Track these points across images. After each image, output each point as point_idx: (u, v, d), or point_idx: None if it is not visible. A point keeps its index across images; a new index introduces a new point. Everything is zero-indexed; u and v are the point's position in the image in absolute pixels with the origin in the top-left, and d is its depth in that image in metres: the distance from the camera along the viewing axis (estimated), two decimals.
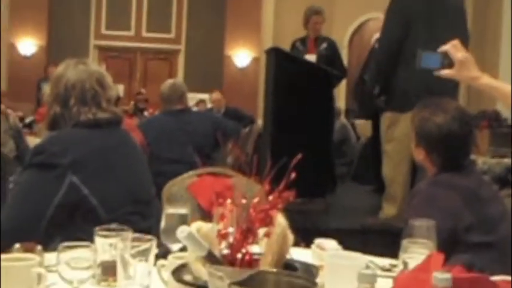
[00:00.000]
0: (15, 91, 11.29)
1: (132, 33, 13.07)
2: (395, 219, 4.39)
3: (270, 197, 1.27)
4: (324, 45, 6.14)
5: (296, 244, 1.72)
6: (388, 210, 4.44)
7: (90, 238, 2.03)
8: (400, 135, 4.32)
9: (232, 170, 2.95)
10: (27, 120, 7.44)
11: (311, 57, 6.01)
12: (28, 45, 12.31)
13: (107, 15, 12.95)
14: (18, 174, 2.19)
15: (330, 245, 1.81)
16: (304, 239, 1.91)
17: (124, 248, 1.46)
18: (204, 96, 10.40)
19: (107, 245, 1.59)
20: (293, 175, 1.30)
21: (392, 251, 2.26)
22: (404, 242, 1.57)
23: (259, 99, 11.95)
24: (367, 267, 1.26)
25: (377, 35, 6.56)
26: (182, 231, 1.18)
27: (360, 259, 1.38)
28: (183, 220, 1.66)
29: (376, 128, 5.88)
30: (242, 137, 7.73)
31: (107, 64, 10.87)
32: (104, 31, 13.00)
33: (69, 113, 2.16)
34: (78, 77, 2.18)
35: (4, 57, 12.33)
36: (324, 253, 1.57)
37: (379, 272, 1.69)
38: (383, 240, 4.46)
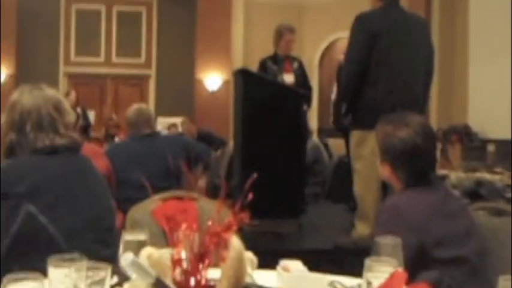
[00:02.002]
0: None
1: (101, 59, 13.01)
2: (368, 237, 4.36)
3: (226, 219, 1.23)
4: (296, 64, 6.10)
5: (264, 267, 1.67)
6: (361, 228, 4.41)
7: None
8: (368, 153, 4.30)
9: (202, 193, 2.90)
10: None
11: (288, 77, 5.92)
12: None
13: (76, 42, 12.88)
14: None
15: (295, 266, 1.76)
16: (274, 261, 1.87)
17: (78, 278, 1.40)
18: (176, 120, 10.36)
19: (61, 275, 1.53)
20: (250, 196, 1.26)
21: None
22: (368, 261, 1.53)
23: (230, 122, 11.94)
24: (332, 286, 1.22)
25: (342, 57, 6.60)
26: (125, 259, 1.13)
27: (324, 279, 1.33)
28: (142, 246, 1.61)
29: (348, 146, 5.88)
30: (214, 160, 7.69)
31: (77, 91, 10.76)
32: (73, 58, 12.92)
33: (26, 140, 2.10)
34: (33, 103, 2.13)
35: None
36: (287, 275, 1.53)
37: None
38: (356, 260, 4.43)
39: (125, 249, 1.63)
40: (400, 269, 1.48)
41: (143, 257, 1.18)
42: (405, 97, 4.26)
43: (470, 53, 9.95)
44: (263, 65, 5.94)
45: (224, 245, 1.18)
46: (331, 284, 1.51)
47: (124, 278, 1.62)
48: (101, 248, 2.10)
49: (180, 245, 1.21)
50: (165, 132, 8.99)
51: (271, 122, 5.20)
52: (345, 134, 6.06)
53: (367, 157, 4.31)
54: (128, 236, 1.66)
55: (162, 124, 10.13)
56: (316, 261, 1.91)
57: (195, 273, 1.18)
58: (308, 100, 5.89)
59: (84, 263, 1.46)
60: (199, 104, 12.45)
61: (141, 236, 1.65)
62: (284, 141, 5.26)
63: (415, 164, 2.18)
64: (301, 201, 5.79)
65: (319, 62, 12.71)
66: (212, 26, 12.34)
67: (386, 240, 1.66)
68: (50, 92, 2.23)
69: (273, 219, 4.90)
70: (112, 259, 2.15)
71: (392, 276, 1.32)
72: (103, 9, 12.97)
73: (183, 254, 1.19)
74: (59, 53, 12.84)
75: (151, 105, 12.76)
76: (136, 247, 1.60)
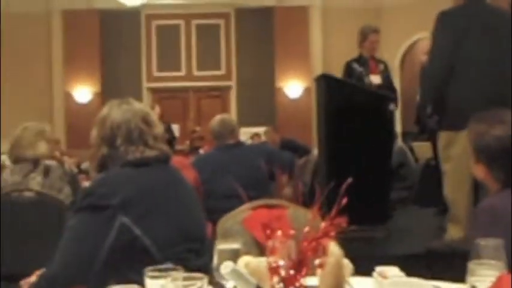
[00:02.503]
0: (74, 138, 11.59)
1: (183, 73, 13.25)
2: (462, 241, 4.21)
3: (322, 225, 1.19)
4: (382, 66, 6.02)
5: (357, 273, 1.63)
6: (454, 232, 4.27)
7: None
8: (457, 154, 4.18)
9: (289, 201, 2.88)
10: (83, 165, 7.55)
11: (375, 78, 5.86)
12: (84, 93, 12.65)
13: (158, 58, 13.18)
14: (70, 219, 2.17)
15: (392, 272, 1.71)
16: (366, 267, 1.82)
17: None
18: (259, 129, 10.40)
19: (157, 286, 1.54)
20: (344, 200, 1.22)
21: (460, 275, 2.13)
22: (471, 264, 1.46)
23: (313, 129, 11.88)
24: None
25: (425, 58, 6.44)
26: (226, 267, 1.11)
27: (423, 286, 1.28)
28: (236, 255, 1.60)
29: (435, 148, 5.72)
30: (299, 167, 7.66)
31: (161, 105, 11.00)
32: (155, 73, 13.22)
33: (117, 153, 2.14)
34: (123, 117, 2.17)
35: (61, 106, 12.70)
36: (386, 282, 1.48)
37: None
38: (450, 264, 4.28)
39: (219, 259, 1.63)
40: (506, 272, 1.40)
41: (241, 266, 1.16)
42: (494, 95, 4.09)
43: None
44: (349, 67, 5.88)
45: (322, 251, 1.15)
46: None
47: (220, 287, 1.62)
48: (194, 258, 2.11)
49: (276, 252, 1.19)
50: (248, 142, 9.02)
51: (355, 127, 5.13)
52: (431, 136, 5.92)
53: (456, 158, 4.18)
54: (221, 246, 1.65)
55: (245, 134, 10.18)
56: (408, 267, 1.85)
57: (294, 281, 1.15)
58: (394, 101, 5.78)
59: (180, 273, 1.46)
60: (280, 112, 12.48)
61: (235, 245, 1.64)
62: (369, 145, 5.17)
63: None
64: (388, 206, 5.68)
65: (400, 64, 12.47)
66: (290, 33, 12.37)
67: (487, 242, 1.58)
68: (137, 105, 2.27)
69: (360, 225, 4.81)
70: (205, 269, 2.16)
71: (499, 279, 1.24)
72: (182, 23, 13.21)
73: (281, 262, 1.17)
74: (141, 69, 13.18)
75: (233, 115, 12.87)
76: (230, 256, 1.59)
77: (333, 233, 1.16)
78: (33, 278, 2.08)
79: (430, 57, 4.43)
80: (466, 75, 4.10)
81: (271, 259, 1.19)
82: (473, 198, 4.28)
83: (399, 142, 8.78)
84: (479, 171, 2.16)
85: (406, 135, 10.82)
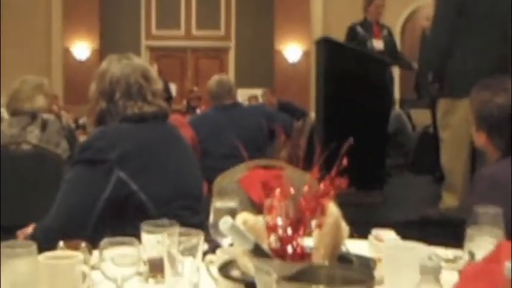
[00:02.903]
0: (72, 94, 11.53)
1: (182, 32, 13.13)
2: (456, 209, 4.23)
3: (321, 185, 1.18)
4: (385, 31, 5.99)
5: (352, 236, 1.63)
6: (449, 200, 4.28)
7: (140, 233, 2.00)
8: (457, 122, 4.17)
9: (286, 163, 2.87)
10: (81, 121, 7.53)
11: (378, 43, 5.84)
12: (82, 49, 12.54)
13: (157, 16, 13.04)
14: (66, 172, 2.16)
15: (388, 235, 1.71)
16: (361, 232, 1.82)
17: (171, 244, 1.40)
18: (256, 91, 10.36)
19: (154, 241, 1.54)
20: (345, 161, 1.21)
21: (454, 243, 2.14)
22: (470, 231, 1.46)
23: (311, 93, 11.84)
24: (430, 258, 1.17)
25: (427, 23, 6.39)
26: (224, 222, 1.10)
27: (421, 250, 1.28)
28: (232, 214, 1.59)
29: (434, 116, 5.71)
30: (295, 130, 7.64)
31: (159, 64, 10.92)
32: (154, 31, 13.10)
33: (115, 108, 2.12)
34: (122, 72, 2.15)
35: (59, 62, 12.61)
36: (382, 244, 1.47)
37: (442, 264, 1.58)
38: (444, 232, 4.30)
39: (215, 217, 1.62)
40: (504, 240, 1.40)
41: (239, 223, 1.16)
42: (496, 61, 4.06)
43: None
44: (352, 30, 5.85)
45: (321, 211, 1.14)
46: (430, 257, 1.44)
47: (215, 245, 1.62)
48: (189, 215, 2.11)
49: (274, 211, 1.18)
50: (245, 103, 8.99)
51: (354, 91, 5.11)
52: (431, 104, 5.90)
53: (455, 126, 4.17)
54: (218, 204, 1.64)
55: (242, 96, 10.13)
56: (403, 233, 1.85)
57: (291, 240, 1.14)
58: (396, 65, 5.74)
59: (177, 228, 1.46)
60: (278, 75, 12.41)
61: (232, 204, 1.64)
62: (367, 110, 5.17)
63: None
64: (384, 172, 5.69)
65: (401, 30, 12.36)
66: None
67: (486, 209, 1.58)
68: (137, 60, 2.24)
69: (356, 190, 4.82)
70: (200, 226, 2.16)
71: (499, 247, 1.24)
72: None
73: (278, 221, 1.16)
74: (140, 26, 13.05)
75: (231, 76, 12.80)
76: (227, 214, 1.58)
77: (332, 193, 1.15)
78: (29, 229, 2.08)
79: (432, 23, 4.39)
80: (468, 41, 4.06)
81: (269, 217, 1.18)
82: (470, 167, 4.28)
83: (397, 109, 8.76)
84: (480, 139, 2.15)
85: (404, 102, 10.79)
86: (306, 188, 1.16)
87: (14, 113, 3.80)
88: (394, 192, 5.71)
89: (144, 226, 1.55)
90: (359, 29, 5.82)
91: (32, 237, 1.97)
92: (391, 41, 6.12)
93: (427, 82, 4.20)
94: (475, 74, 4.04)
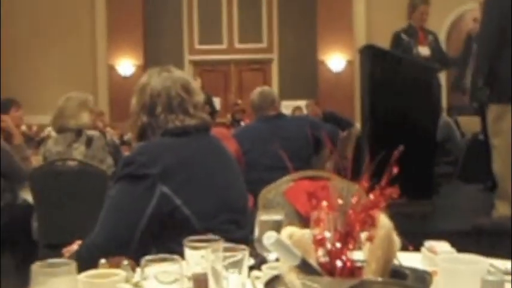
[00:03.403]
0: (118, 111, 11.67)
1: (224, 45, 13.18)
2: (510, 217, 4.08)
3: (371, 196, 1.12)
4: (431, 37, 5.88)
5: (403, 248, 1.55)
6: (502, 208, 4.13)
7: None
8: (508, 127, 4.05)
9: (332, 174, 2.81)
10: (126, 137, 7.59)
11: (424, 50, 5.73)
12: (127, 65, 12.70)
13: (199, 30, 13.13)
14: (110, 188, 2.14)
15: (443, 247, 1.63)
16: (412, 243, 1.74)
17: (215, 260, 1.35)
18: (300, 103, 10.31)
19: (197, 256, 1.49)
20: (395, 170, 1.15)
21: (509, 253, 2.04)
22: None
23: (355, 103, 11.72)
24: (490, 272, 1.09)
25: (473, 25, 6.24)
26: (269, 237, 1.04)
27: (480, 262, 1.19)
28: (278, 227, 1.54)
29: (484, 122, 5.55)
30: (341, 141, 7.54)
31: (202, 78, 10.98)
32: (197, 46, 13.18)
33: (157, 122, 2.09)
34: (162, 85, 2.12)
35: (104, 79, 12.79)
36: (437, 257, 1.39)
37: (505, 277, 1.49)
38: (498, 242, 4.16)
39: (261, 230, 1.57)
40: None
41: (284, 237, 1.10)
42: None
43: None
44: (396, 37, 5.75)
45: (371, 223, 1.07)
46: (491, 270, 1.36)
47: (261, 259, 1.57)
48: (234, 229, 2.06)
49: (322, 224, 1.12)
50: (290, 115, 8.94)
51: (400, 99, 5.01)
52: (480, 110, 5.75)
53: (507, 132, 4.05)
54: (263, 217, 1.59)
55: (287, 107, 10.08)
56: (455, 243, 1.76)
57: (340, 255, 1.08)
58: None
59: (221, 244, 1.41)
60: (322, 85, 12.33)
61: (277, 216, 1.59)
62: (415, 118, 5.05)
63: None
64: (433, 181, 5.55)
65: (447, 36, 12.15)
66: (333, 5, 12.16)
67: None
68: (178, 73, 2.21)
69: (405, 200, 4.70)
70: (245, 241, 2.11)
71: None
72: None
73: (326, 234, 1.10)
74: (183, 41, 13.15)
75: (274, 89, 12.77)
76: (272, 227, 1.53)
77: (383, 204, 1.08)
78: (74, 247, 2.06)
79: (482, 24, 4.26)
80: None
81: (317, 231, 1.12)
82: None
83: (445, 116, 8.58)
84: None
85: (451, 109, 10.58)
86: (354, 199, 1.10)
87: (59, 130, 3.85)
88: (444, 201, 5.56)
89: (188, 241, 1.50)
90: (404, 36, 5.71)
91: (78, 254, 1.95)
92: (438, 46, 6.00)
93: (476, 88, 4.08)
94: None
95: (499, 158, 4.14)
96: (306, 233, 1.13)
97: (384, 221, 1.10)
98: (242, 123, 9.41)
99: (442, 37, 11.56)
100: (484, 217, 4.41)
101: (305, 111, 9.88)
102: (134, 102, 2.16)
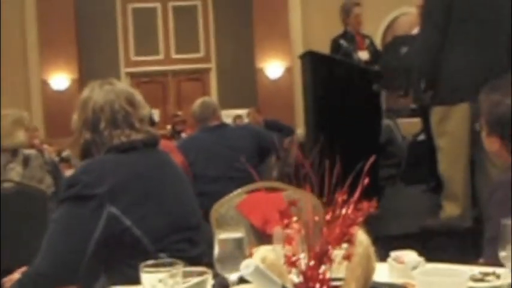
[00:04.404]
0: (53, 126, 11.33)
1: (161, 56, 13.00)
2: (458, 218, 4.10)
3: (343, 210, 1.04)
4: (368, 41, 5.91)
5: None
6: (450, 209, 4.14)
7: (137, 273, 1.83)
8: (453, 128, 4.07)
9: (283, 183, 2.74)
10: (64, 154, 7.34)
11: (363, 54, 5.75)
12: (61, 80, 12.34)
13: (135, 41, 12.91)
14: (53, 211, 1.99)
15: (410, 257, 1.57)
16: None
17: (175, 284, 1.25)
18: (241, 111, 10.24)
19: (155, 281, 1.38)
20: (366, 181, 1.08)
21: (459, 254, 2.01)
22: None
23: (295, 109, 11.73)
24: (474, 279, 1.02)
25: (415, 30, 6.31)
26: (247, 266, 0.95)
27: (460, 273, 1.13)
28: (239, 245, 1.44)
29: (427, 125, 5.59)
30: (284, 148, 7.51)
31: (140, 90, 10.74)
32: (133, 57, 12.96)
33: (101, 138, 1.97)
34: (105, 98, 2.00)
35: (38, 94, 12.42)
36: (414, 272, 1.31)
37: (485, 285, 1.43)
38: (447, 243, 4.18)
39: (221, 249, 1.47)
40: None
41: (257, 260, 1.01)
42: (490, 67, 3.96)
43: None
44: (335, 43, 5.74)
45: (349, 240, 0.99)
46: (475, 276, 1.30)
47: (221, 280, 1.47)
48: (188, 247, 1.96)
49: (293, 242, 1.03)
50: (231, 124, 8.86)
51: (342, 104, 5.00)
52: (422, 111, 5.82)
53: (452, 133, 4.06)
54: (222, 235, 1.49)
55: (227, 117, 9.99)
56: (404, 246, 1.71)
57: (317, 275, 0.99)
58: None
59: (180, 267, 1.32)
60: (262, 93, 12.30)
61: (237, 234, 1.49)
62: (357, 122, 5.05)
63: None
64: (378, 184, 5.56)
65: (382, 40, 12.31)
66: (269, 13, 12.16)
67: None
68: (121, 85, 2.10)
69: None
70: (201, 259, 2.01)
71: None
72: (158, 6, 12.94)
73: (301, 255, 1.01)
74: (119, 53, 12.90)
75: (214, 98, 12.67)
76: (233, 246, 1.45)
77: (360, 218, 1.00)
78: (15, 276, 1.91)
79: (421, 28, 4.28)
80: (460, 47, 3.96)
81: (288, 250, 1.03)
82: (470, 174, 4.16)
83: (385, 119, 8.66)
84: (493, 144, 2.01)
85: (389, 111, 10.70)
86: (328, 215, 1.01)
87: None
88: (390, 204, 5.56)
89: (144, 266, 1.38)
90: (342, 42, 5.71)
91: (19, 285, 1.81)
92: (375, 50, 6.03)
93: (420, 91, 4.08)
94: (469, 80, 3.95)
95: (444, 159, 4.15)
96: (278, 255, 1.04)
97: (361, 237, 1.03)
98: (183, 135, 9.26)
99: (377, 41, 11.72)
100: (431, 218, 4.41)
101: (246, 120, 9.82)
102: (76, 118, 2.03)
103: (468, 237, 3.92)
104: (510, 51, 4.11)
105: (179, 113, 10.73)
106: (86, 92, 2.06)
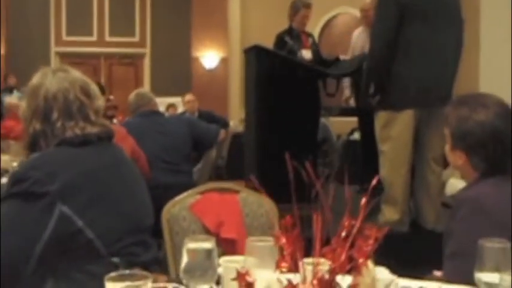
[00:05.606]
0: None
1: (94, 37, 12.63)
2: (396, 223, 4.13)
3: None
4: (311, 40, 5.95)
5: None
6: (389, 213, 4.16)
7: (88, 277, 1.70)
8: (397, 134, 4.10)
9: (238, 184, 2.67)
10: None
11: (307, 53, 5.77)
12: None
13: (67, 20, 12.48)
14: None
15: (383, 274, 1.51)
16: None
17: None
18: (174, 100, 10.06)
19: None
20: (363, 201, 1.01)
21: (399, 259, 1.99)
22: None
23: (229, 101, 11.65)
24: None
25: (356, 32, 6.35)
26: None
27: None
28: (209, 256, 1.36)
29: (364, 125, 5.63)
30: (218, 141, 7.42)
31: None
32: (64, 37, 12.53)
33: (52, 130, 1.82)
34: (59, 87, 1.85)
35: None
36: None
37: None
38: (385, 247, 4.18)
39: (190, 260, 1.37)
40: None
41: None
42: (438, 74, 4.00)
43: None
44: (280, 39, 5.72)
45: (357, 270, 0.92)
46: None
47: None
48: (142, 251, 1.85)
49: (288, 266, 0.95)
50: (165, 113, 8.70)
51: (285, 100, 4.99)
52: (357, 110, 5.88)
53: (395, 139, 4.09)
54: (191, 244, 1.39)
55: (160, 104, 9.78)
56: None
57: None
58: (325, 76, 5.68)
59: (149, 282, 1.21)
60: (196, 82, 12.14)
61: (207, 244, 1.39)
62: (298, 120, 5.05)
63: (495, 150, 1.91)
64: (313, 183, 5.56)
65: (318, 39, 12.37)
66: (208, 2, 12.00)
67: (493, 244, 1.41)
68: (75, 73, 1.95)
69: (286, 204, 4.65)
70: (154, 264, 1.90)
71: None
72: None
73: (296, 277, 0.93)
74: (50, 32, 12.45)
75: (146, 84, 12.44)
76: (203, 257, 1.36)
77: (368, 248, 0.93)
78: None
79: (372, 33, 4.28)
80: (409, 52, 3.97)
81: (286, 277, 0.95)
82: (410, 180, 4.20)
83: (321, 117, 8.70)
84: (457, 158, 1.98)
85: (325, 110, 10.79)
86: (333, 241, 0.94)
87: None
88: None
89: (108, 278, 1.27)
90: (287, 39, 5.70)
91: None
92: (317, 49, 6.05)
93: (368, 94, 4.07)
94: (417, 87, 3.98)
95: (386, 164, 4.17)
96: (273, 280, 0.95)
97: (369, 266, 0.95)
98: (115, 120, 9.01)
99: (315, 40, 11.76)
100: (368, 222, 4.42)
101: (180, 109, 9.66)
102: (25, 106, 1.87)
103: (406, 242, 3.95)
104: (457, 61, 4.18)
105: (111, 97, 10.44)
106: (36, 78, 1.90)
